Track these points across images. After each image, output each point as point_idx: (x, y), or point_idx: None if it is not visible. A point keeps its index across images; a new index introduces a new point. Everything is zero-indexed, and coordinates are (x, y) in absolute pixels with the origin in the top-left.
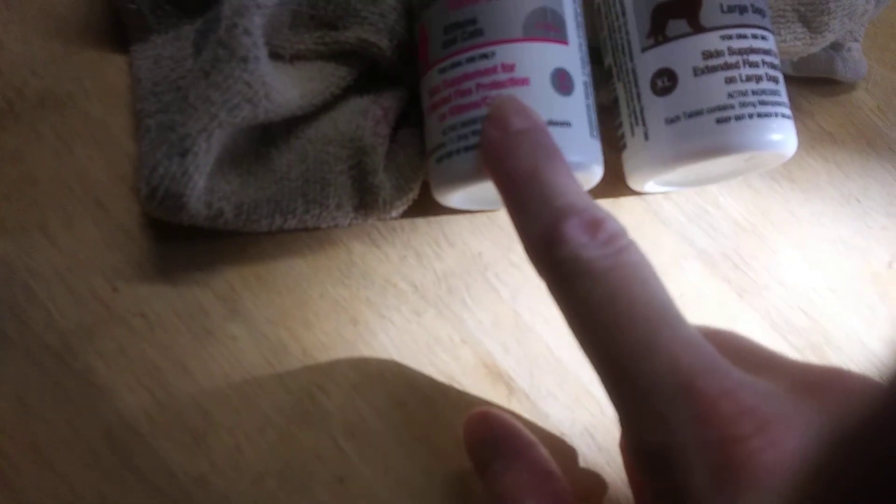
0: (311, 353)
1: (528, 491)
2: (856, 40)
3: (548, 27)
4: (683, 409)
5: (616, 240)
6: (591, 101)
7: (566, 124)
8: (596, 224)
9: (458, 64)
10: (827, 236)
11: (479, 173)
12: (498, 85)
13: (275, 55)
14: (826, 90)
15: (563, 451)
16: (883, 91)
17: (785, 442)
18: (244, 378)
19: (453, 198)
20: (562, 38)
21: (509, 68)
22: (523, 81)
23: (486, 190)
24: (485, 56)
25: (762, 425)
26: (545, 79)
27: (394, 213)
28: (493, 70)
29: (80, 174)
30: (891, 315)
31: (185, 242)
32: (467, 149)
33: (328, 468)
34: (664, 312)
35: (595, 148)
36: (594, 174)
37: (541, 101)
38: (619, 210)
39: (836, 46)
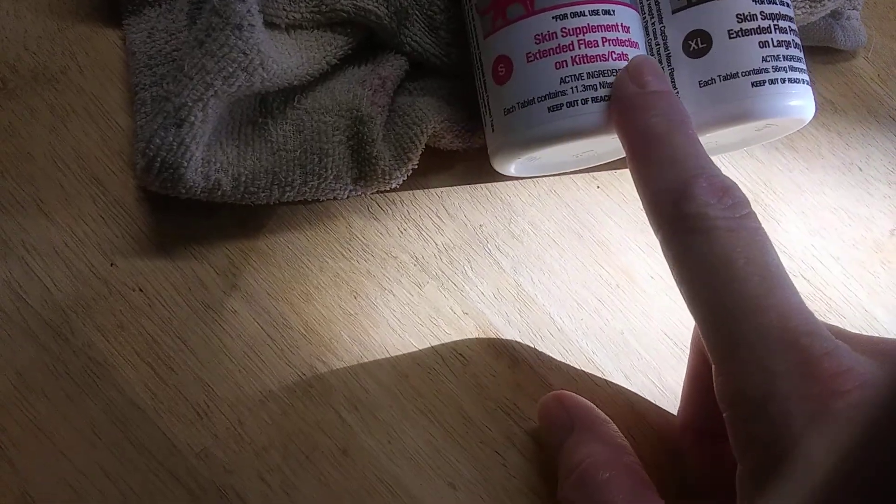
0: (312, 327)
1: (602, 463)
2: (855, 9)
3: (635, 1)
4: (790, 364)
5: (740, 206)
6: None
7: None
8: (724, 189)
9: (580, 14)
10: (829, 204)
11: (608, 126)
12: (621, 43)
13: (271, 24)
14: (826, 58)
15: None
16: (883, 59)
17: (878, 398)
18: (245, 352)
19: (553, 151)
20: (638, 11)
21: (627, 29)
22: (636, 45)
23: (594, 144)
24: (608, 13)
25: (860, 383)
26: (643, 48)
27: (393, 184)
28: (616, 27)
29: (75, 149)
30: (893, 282)
31: (183, 217)
32: (595, 100)
33: (331, 440)
34: (778, 276)
35: None
36: None
37: None
38: (622, 179)
39: (835, 15)
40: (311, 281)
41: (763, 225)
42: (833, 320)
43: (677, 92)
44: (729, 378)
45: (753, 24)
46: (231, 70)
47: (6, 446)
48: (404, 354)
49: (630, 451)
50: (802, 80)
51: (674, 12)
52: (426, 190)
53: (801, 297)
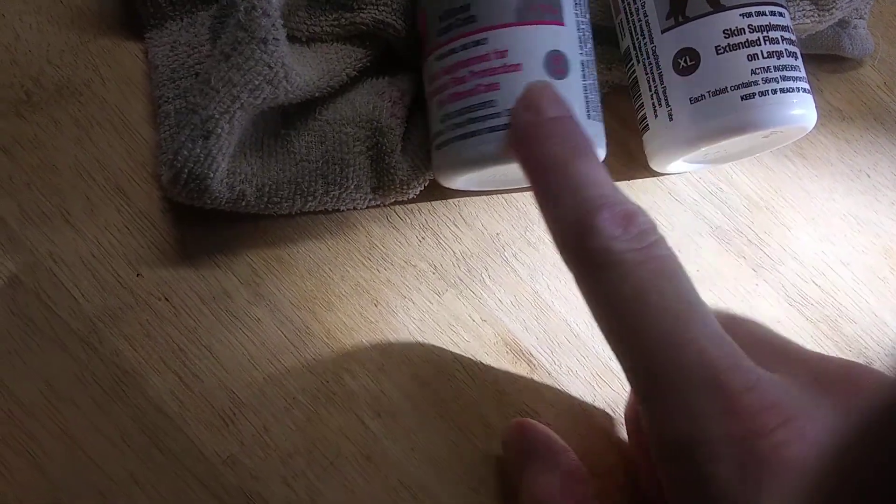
0: (334, 335)
1: (558, 492)
2: (862, 17)
3: (543, 9)
4: (710, 403)
5: (648, 234)
6: (592, 80)
7: None
8: (629, 217)
9: (453, 51)
10: (838, 211)
11: (476, 162)
12: (491, 72)
13: (291, 37)
14: (833, 67)
15: (585, 425)
16: (889, 68)
17: (806, 437)
18: (269, 360)
19: (456, 182)
20: (558, 20)
21: (502, 54)
22: (516, 67)
23: (489, 173)
24: (478, 43)
25: (785, 420)
26: (538, 63)
27: (411, 194)
28: (486, 57)
29: (100, 161)
30: None
31: (206, 227)
32: (463, 136)
33: (355, 446)
34: (693, 307)
35: (595, 129)
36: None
37: None
38: (635, 190)
39: (842, 24)
40: (333, 290)
41: (749, 235)
42: (844, 326)
43: (670, 109)
44: (652, 419)
45: (741, 39)
46: (257, 83)
47: (37, 454)
48: (425, 361)
49: (585, 481)
50: (797, 88)
51: (663, 32)
52: (444, 199)
53: (721, 328)
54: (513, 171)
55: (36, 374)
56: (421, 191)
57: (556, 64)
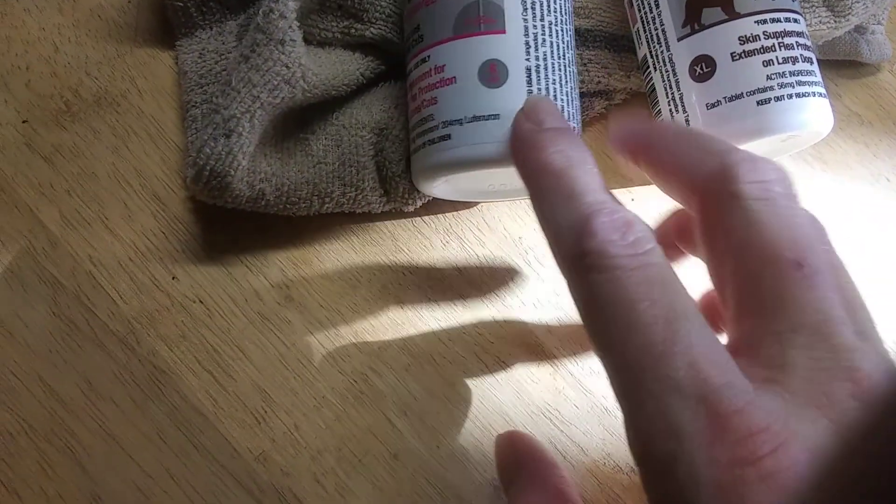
0: (361, 336)
1: None
2: (879, 23)
3: (480, 21)
4: (696, 421)
5: (644, 242)
6: (545, 85)
7: (494, 117)
8: (626, 225)
9: (410, 70)
10: (858, 215)
11: (424, 173)
12: (431, 87)
13: (305, 40)
14: (852, 72)
15: (607, 427)
16: None
17: (797, 465)
18: (299, 360)
19: (430, 189)
20: (497, 29)
21: (440, 69)
22: (450, 81)
23: (465, 183)
24: (423, 60)
25: (776, 447)
26: (472, 74)
27: (410, 207)
28: (429, 73)
29: (137, 169)
30: None
31: (238, 232)
32: (416, 150)
33: (383, 445)
34: (686, 318)
35: None
36: None
37: (467, 97)
38: (655, 194)
39: (860, 29)
40: (360, 292)
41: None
42: None
43: (687, 116)
44: (636, 434)
45: (756, 45)
46: (276, 83)
47: (77, 450)
48: (449, 362)
49: (570, 499)
50: (813, 93)
51: (679, 40)
52: (467, 204)
53: (717, 338)
54: (493, 183)
55: (76, 373)
56: (422, 203)
57: (492, 72)
